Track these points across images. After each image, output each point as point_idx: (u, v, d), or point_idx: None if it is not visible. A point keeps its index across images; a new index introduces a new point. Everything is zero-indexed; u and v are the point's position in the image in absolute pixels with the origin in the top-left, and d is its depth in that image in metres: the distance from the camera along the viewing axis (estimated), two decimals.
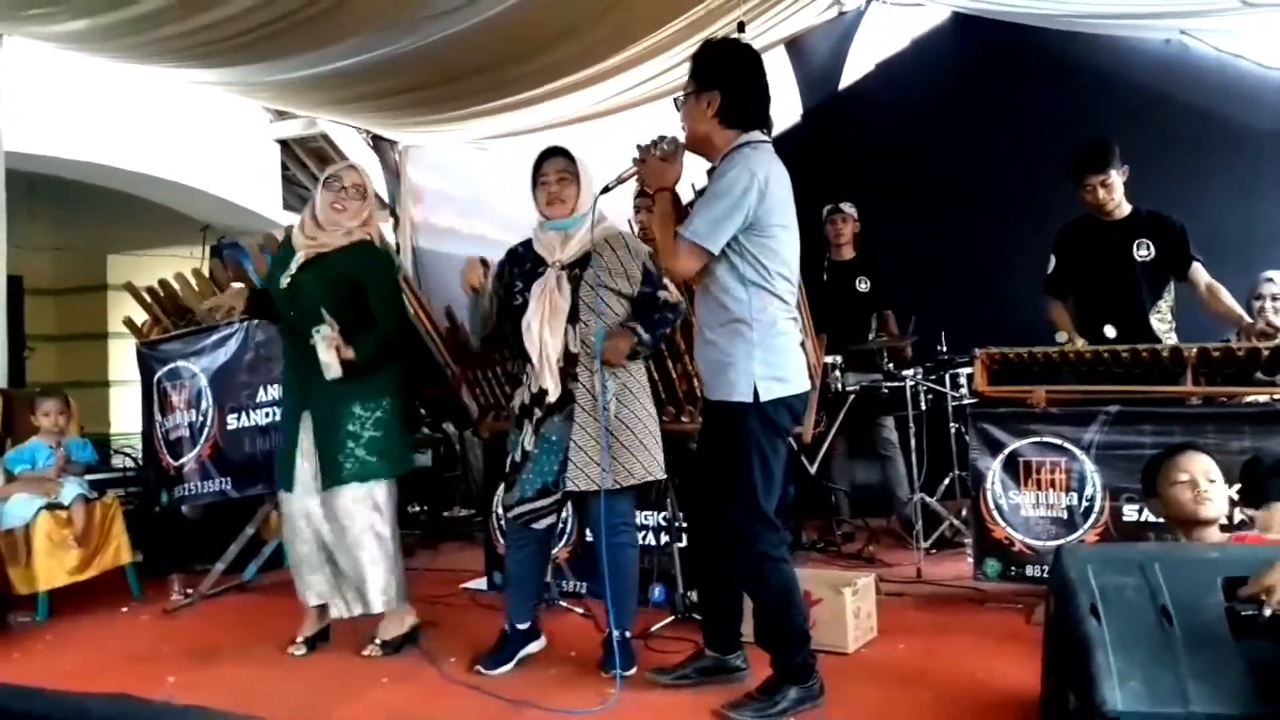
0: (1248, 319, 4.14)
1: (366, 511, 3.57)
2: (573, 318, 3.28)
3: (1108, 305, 4.20)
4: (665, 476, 3.43)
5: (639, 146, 3.01)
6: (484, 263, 3.46)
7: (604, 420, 3.20)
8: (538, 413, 3.34)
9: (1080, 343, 4.00)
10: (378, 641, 3.64)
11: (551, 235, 3.37)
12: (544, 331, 3.27)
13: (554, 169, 3.36)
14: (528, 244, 3.47)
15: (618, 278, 3.32)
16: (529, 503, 3.35)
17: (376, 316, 3.59)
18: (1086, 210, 4.31)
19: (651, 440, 3.34)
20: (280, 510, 3.80)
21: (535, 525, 3.38)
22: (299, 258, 3.62)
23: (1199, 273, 4.19)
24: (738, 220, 2.81)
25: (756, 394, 2.84)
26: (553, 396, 3.29)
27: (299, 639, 3.71)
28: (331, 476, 3.55)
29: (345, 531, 3.57)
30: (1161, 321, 4.22)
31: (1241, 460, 3.30)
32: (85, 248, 7.95)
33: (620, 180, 3.11)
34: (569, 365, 3.28)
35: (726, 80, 2.93)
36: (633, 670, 3.26)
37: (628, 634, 3.34)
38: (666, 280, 3.37)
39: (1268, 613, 2.16)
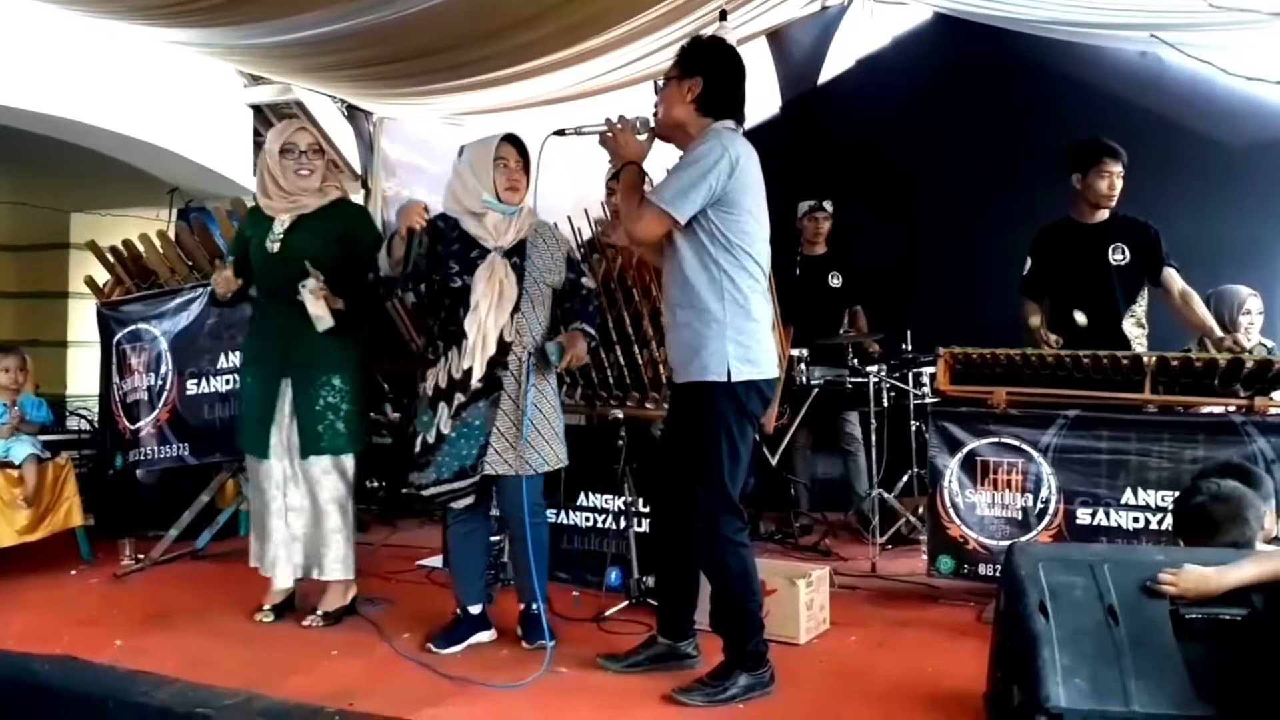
0: (1218, 332, 4.11)
1: (335, 482, 3.62)
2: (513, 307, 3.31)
3: (1082, 309, 4.22)
4: (567, 464, 3.49)
5: (620, 117, 3.03)
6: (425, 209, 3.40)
7: (527, 411, 3.27)
8: (459, 397, 3.31)
9: (1053, 340, 4.03)
10: (320, 613, 3.65)
11: (498, 219, 3.35)
12: (490, 317, 3.27)
13: (513, 155, 3.37)
14: (450, 222, 3.38)
15: (553, 269, 3.41)
16: (446, 484, 3.33)
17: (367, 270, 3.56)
18: (1065, 214, 4.35)
19: (554, 433, 3.40)
20: (248, 476, 3.72)
21: (453, 505, 3.39)
22: (283, 221, 3.60)
23: (1172, 278, 4.21)
24: (704, 191, 2.82)
25: (729, 374, 2.85)
26: (477, 376, 3.27)
27: (266, 606, 3.70)
28: (310, 446, 3.57)
29: (314, 499, 3.61)
30: (1135, 326, 4.26)
31: (1194, 469, 3.35)
32: (49, 204, 7.82)
33: (578, 131, 3.10)
34: (501, 353, 3.29)
35: (710, 70, 2.98)
36: (553, 642, 3.24)
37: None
38: (584, 268, 3.47)
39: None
